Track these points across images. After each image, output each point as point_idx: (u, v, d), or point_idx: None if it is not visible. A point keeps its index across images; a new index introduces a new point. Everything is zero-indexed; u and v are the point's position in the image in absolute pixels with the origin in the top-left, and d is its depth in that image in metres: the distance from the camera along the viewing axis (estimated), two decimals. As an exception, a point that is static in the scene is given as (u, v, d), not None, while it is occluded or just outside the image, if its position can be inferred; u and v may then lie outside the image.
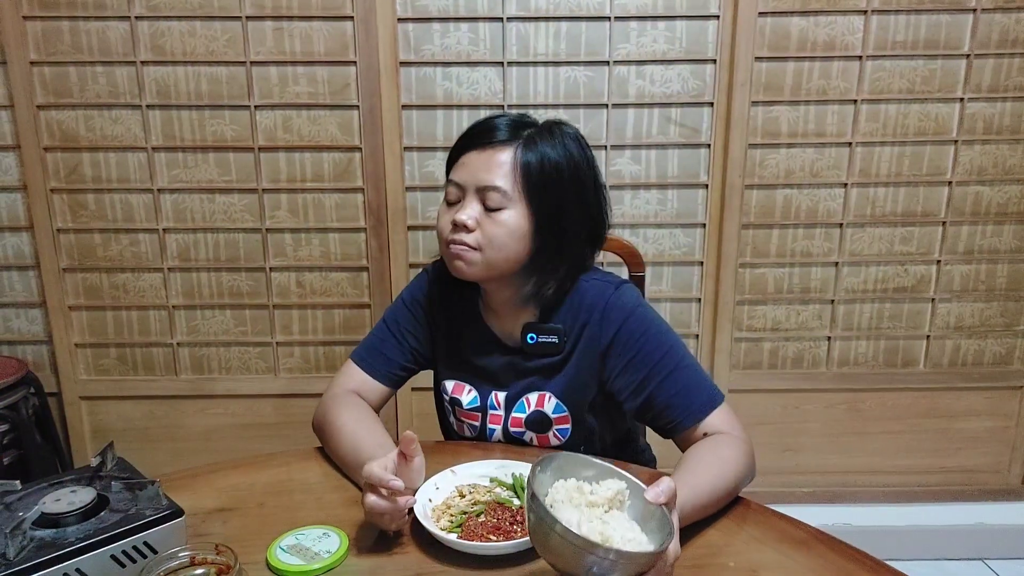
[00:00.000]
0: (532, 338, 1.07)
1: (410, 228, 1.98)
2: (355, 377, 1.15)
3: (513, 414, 1.10)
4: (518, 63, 1.89)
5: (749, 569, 0.79)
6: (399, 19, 1.86)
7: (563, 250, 1.04)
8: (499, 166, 1.00)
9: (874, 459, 2.13)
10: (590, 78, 1.90)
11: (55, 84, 1.88)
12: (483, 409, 1.12)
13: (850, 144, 1.95)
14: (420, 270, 1.24)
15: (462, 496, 0.91)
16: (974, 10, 1.86)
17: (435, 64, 1.89)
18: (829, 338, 2.07)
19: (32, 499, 0.75)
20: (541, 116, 1.08)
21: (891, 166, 1.96)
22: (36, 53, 1.86)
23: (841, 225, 2.00)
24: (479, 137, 1.03)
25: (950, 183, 1.97)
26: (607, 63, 1.89)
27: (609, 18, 1.86)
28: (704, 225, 1.99)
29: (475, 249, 1.01)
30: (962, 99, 1.92)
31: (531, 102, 1.91)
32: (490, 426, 1.12)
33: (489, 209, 1.01)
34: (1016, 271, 2.04)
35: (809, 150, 1.95)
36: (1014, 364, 2.09)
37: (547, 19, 1.86)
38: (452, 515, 0.87)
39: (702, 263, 2.01)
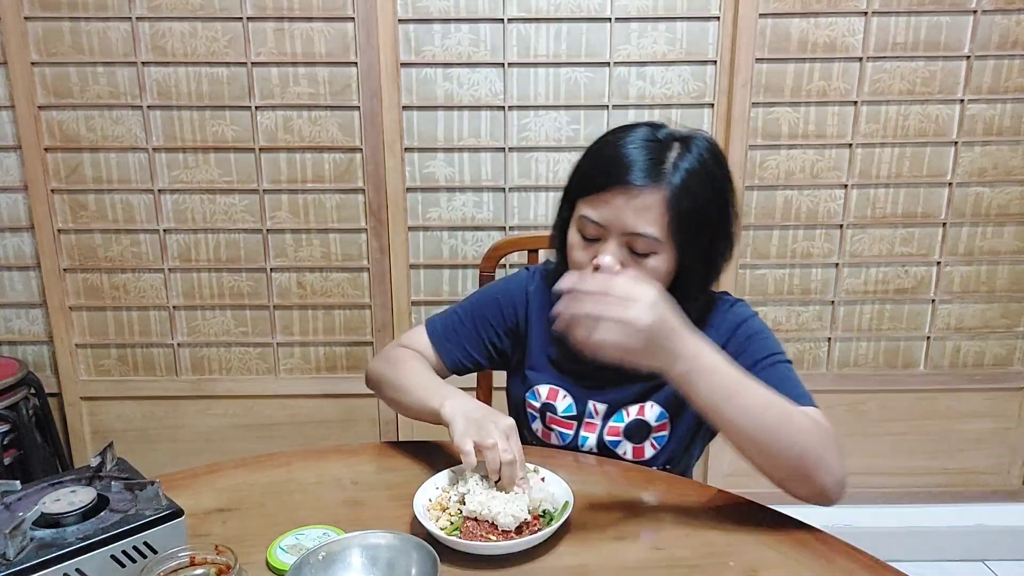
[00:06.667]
0: None
1: (411, 229, 1.98)
2: (421, 343, 1.12)
3: (610, 423, 1.07)
4: (519, 64, 1.89)
5: (749, 569, 0.79)
6: (400, 20, 1.86)
7: (708, 281, 1.01)
8: (648, 210, 0.92)
9: (874, 460, 2.13)
10: (591, 79, 1.90)
11: (56, 84, 1.88)
12: (579, 417, 1.08)
13: (850, 145, 1.95)
14: (517, 269, 1.19)
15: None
16: (974, 11, 1.86)
17: (436, 65, 1.89)
18: (829, 339, 2.07)
19: (32, 499, 0.75)
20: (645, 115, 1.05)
21: (891, 167, 1.96)
22: (37, 53, 1.86)
23: (841, 226, 2.00)
24: (623, 173, 0.92)
25: (950, 184, 1.97)
26: (608, 64, 1.89)
27: (610, 19, 1.86)
28: (704, 226, 1.99)
29: None
30: (962, 100, 1.92)
31: (532, 103, 1.91)
32: (583, 434, 1.08)
33: (635, 253, 0.94)
34: (1016, 272, 2.03)
35: (809, 151, 1.95)
36: (1014, 365, 2.09)
37: (548, 20, 1.86)
38: (452, 515, 0.86)
39: (702, 264, 2.01)
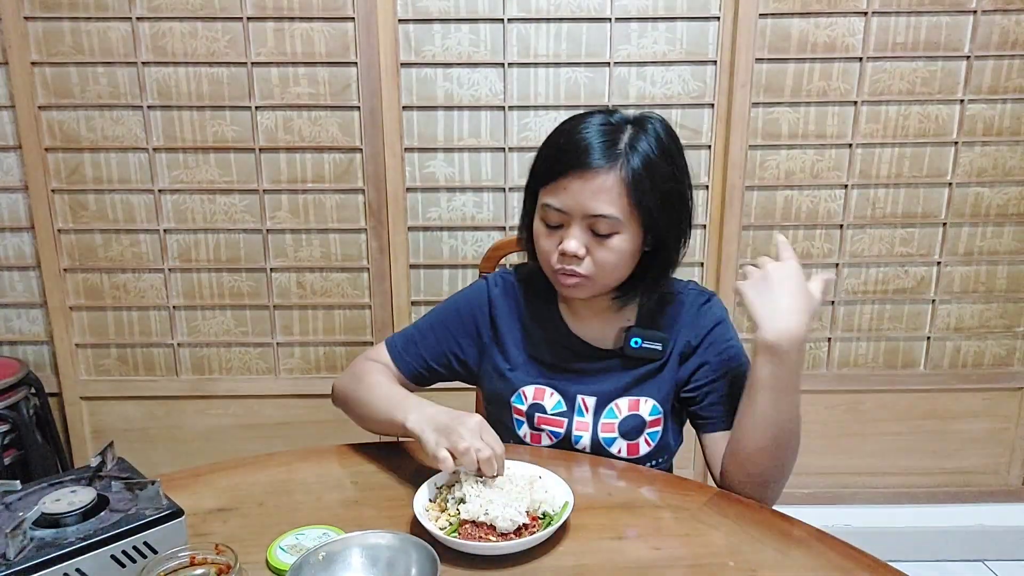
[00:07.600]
0: (637, 343, 1.05)
1: (410, 229, 1.98)
2: (382, 359, 1.13)
3: (603, 420, 1.07)
4: (519, 64, 1.89)
5: (749, 569, 0.79)
6: (400, 20, 1.86)
7: (671, 259, 1.04)
8: (606, 191, 0.94)
9: (874, 460, 2.13)
10: (591, 79, 1.90)
11: (56, 85, 1.88)
12: (568, 413, 1.08)
13: (850, 145, 1.95)
14: (479, 277, 1.20)
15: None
16: (974, 11, 1.86)
17: (436, 65, 1.89)
18: (829, 339, 2.07)
19: (32, 499, 0.75)
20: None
21: (891, 167, 1.96)
22: (37, 54, 1.86)
23: (841, 226, 2.00)
24: (578, 158, 0.95)
25: (950, 184, 1.97)
26: (608, 64, 1.89)
27: (610, 19, 1.86)
28: (705, 226, 1.99)
29: (586, 277, 0.99)
30: (962, 100, 1.92)
31: (532, 103, 1.91)
32: (576, 433, 1.08)
33: (598, 235, 0.97)
34: (1016, 272, 2.04)
35: (810, 151, 1.96)
36: (1014, 366, 2.09)
37: (548, 20, 1.86)
38: (451, 515, 0.87)
39: (703, 264, 2.01)
